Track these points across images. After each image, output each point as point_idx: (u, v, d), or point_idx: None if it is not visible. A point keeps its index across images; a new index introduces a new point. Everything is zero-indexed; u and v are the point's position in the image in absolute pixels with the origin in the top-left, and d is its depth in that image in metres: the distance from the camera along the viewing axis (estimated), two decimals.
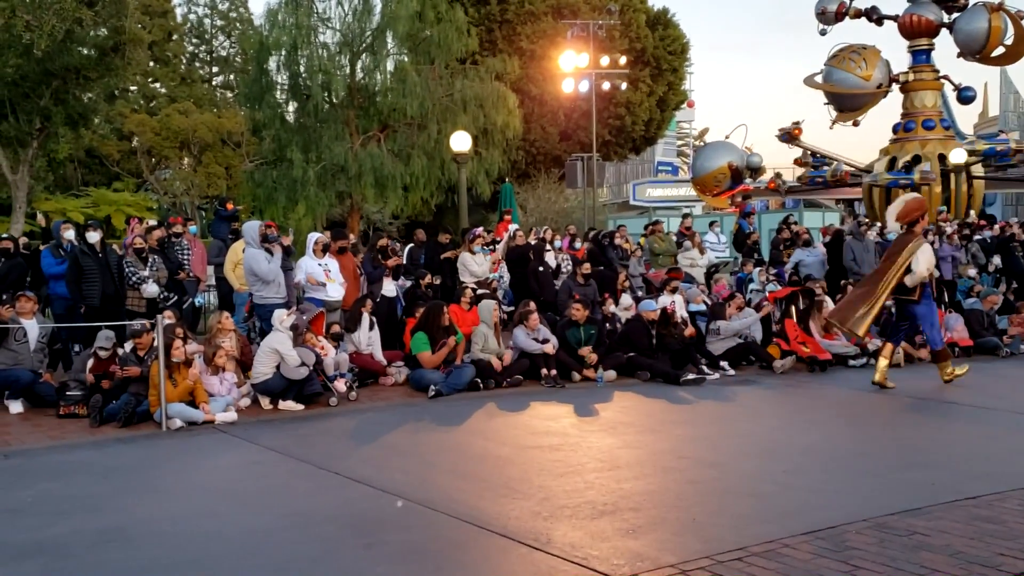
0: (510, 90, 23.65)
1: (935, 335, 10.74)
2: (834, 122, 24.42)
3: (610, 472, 6.56)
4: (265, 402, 9.31)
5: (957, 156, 21.86)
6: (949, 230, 16.12)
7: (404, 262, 14.17)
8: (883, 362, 10.48)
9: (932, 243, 15.44)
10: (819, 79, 23.93)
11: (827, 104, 23.95)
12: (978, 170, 23.28)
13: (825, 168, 23.10)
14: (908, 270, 10.29)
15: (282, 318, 9.46)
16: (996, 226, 17.59)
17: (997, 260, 15.78)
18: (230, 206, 15.25)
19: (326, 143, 21.60)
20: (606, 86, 28.17)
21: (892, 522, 5.21)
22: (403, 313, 11.92)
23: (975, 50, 22.30)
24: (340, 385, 9.60)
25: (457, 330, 10.59)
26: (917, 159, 21.37)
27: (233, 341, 9.94)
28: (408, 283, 12.88)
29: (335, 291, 11.06)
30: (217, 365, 9.30)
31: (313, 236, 11.45)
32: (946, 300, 13.98)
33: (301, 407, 9.25)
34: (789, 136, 22.53)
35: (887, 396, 10.01)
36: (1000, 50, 22.50)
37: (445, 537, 5.19)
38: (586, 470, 6.63)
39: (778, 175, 25.11)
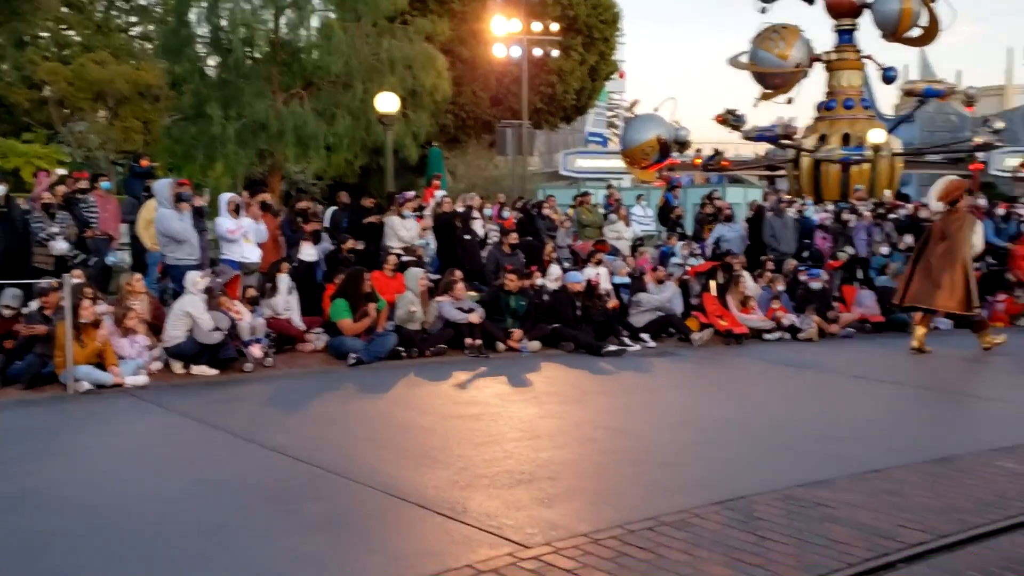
0: (440, 52, 23.29)
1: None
2: (759, 100, 24.86)
3: (529, 442, 6.58)
4: (177, 366, 9.06)
5: (876, 136, 22.44)
6: (864, 209, 16.54)
7: (326, 225, 13.91)
8: (921, 330, 11.28)
9: (847, 222, 15.91)
10: (744, 58, 24.32)
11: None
12: (896, 150, 23.98)
13: (775, 125, 23.65)
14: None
15: (195, 280, 9.20)
16: (910, 205, 18.13)
17: (909, 239, 16.26)
18: (145, 162, 14.69)
19: (247, 100, 20.95)
20: (538, 52, 28.02)
21: (800, 493, 5.34)
22: (323, 278, 11.71)
23: (890, 30, 22.90)
24: (256, 350, 9.40)
25: (379, 297, 10.46)
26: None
27: (145, 303, 9.63)
28: (329, 247, 12.64)
29: (252, 253, 10.79)
30: (127, 327, 9.00)
31: (225, 196, 11.12)
32: (860, 276, 14.37)
33: (215, 372, 9.03)
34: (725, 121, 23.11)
35: (800, 369, 10.26)
36: (915, 31, 23.15)
37: (360, 507, 5.13)
38: (506, 440, 6.63)
39: (718, 152, 25.65)
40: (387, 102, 17.57)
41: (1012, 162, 28.15)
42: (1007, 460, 6.17)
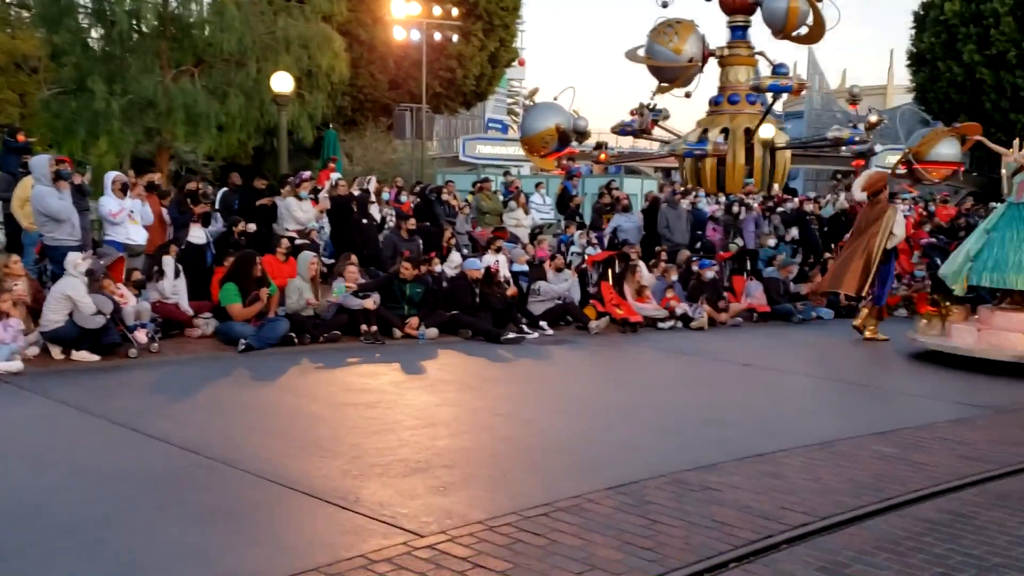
0: (337, 33, 22.83)
1: (884, 292, 12.06)
2: (655, 93, 25.33)
3: (425, 430, 6.53)
4: (56, 351, 8.62)
5: (765, 131, 23.14)
6: (753, 202, 17.07)
7: (217, 207, 13.48)
8: (864, 311, 12.08)
9: (739, 215, 16.38)
10: (642, 52, 24.73)
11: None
12: (780, 142, 24.79)
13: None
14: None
15: (76, 262, 8.75)
16: (796, 199, 18.80)
17: (795, 232, 16.88)
18: (21, 137, 13.94)
19: (133, 75, 20.02)
20: (437, 37, 27.82)
21: (689, 477, 5.47)
22: (213, 262, 11.34)
23: (778, 28, 23.67)
24: (140, 336, 9.03)
25: (270, 282, 10.19)
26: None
27: (24, 285, 9.12)
28: (221, 229, 12.25)
29: (138, 235, 10.36)
30: (1, 311, 8.51)
31: (111, 175, 10.63)
32: (748, 267, 14.83)
33: (97, 358, 8.63)
34: (639, 132, 23.56)
35: (691, 357, 10.53)
36: (803, 30, 23.99)
37: (247, 497, 4.99)
38: (401, 428, 6.56)
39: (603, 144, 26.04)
40: (282, 82, 17.16)
41: (893, 159, 29.53)
42: (882, 444, 6.47)
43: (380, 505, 4.84)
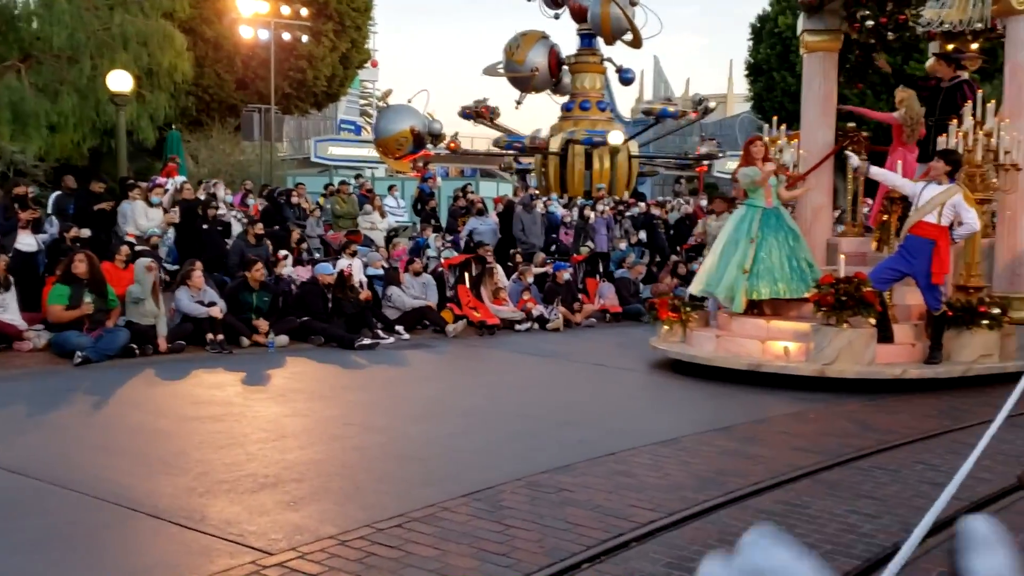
0: (180, 30, 21.93)
1: None
2: (518, 102, 25.87)
3: (275, 442, 6.34)
4: None
5: (614, 138, 23.84)
6: (603, 207, 17.54)
7: (50, 211, 12.69)
8: None
9: (589, 218, 16.80)
10: (501, 66, 25.22)
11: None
12: (633, 151, 25.65)
13: (523, 136, 24.45)
14: None
15: None
16: (644, 204, 19.46)
17: (643, 235, 17.46)
18: None
19: None
20: (287, 37, 27.17)
21: (543, 480, 5.54)
22: (45, 270, 10.66)
23: (599, 33, 24.57)
24: None
25: (109, 289, 9.68)
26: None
27: None
28: (54, 235, 11.54)
29: None
30: None
31: None
32: (600, 270, 15.23)
33: None
34: (475, 114, 23.59)
35: (546, 359, 10.70)
36: (628, 36, 24.95)
37: (88, 520, 4.71)
38: (249, 441, 6.35)
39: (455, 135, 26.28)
40: (120, 80, 16.33)
41: (732, 165, 31.06)
42: (724, 439, 6.77)
43: (227, 523, 4.67)
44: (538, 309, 13.16)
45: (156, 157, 23.70)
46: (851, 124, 11.01)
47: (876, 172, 9.46)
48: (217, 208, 13.68)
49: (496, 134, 27.71)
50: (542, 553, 4.36)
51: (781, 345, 9.10)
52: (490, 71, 25.47)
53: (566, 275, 13.67)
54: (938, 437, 6.88)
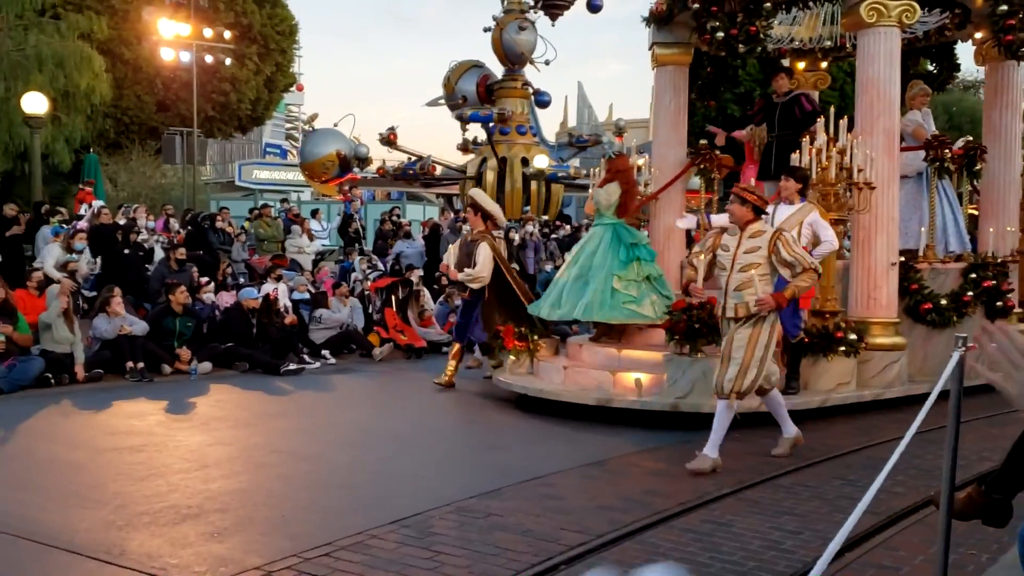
0: (97, 52, 21.43)
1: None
2: (463, 130, 26.13)
3: (197, 472, 6.20)
4: None
5: (539, 161, 24.08)
6: (532, 228, 17.69)
7: None
8: (453, 363, 10.14)
9: (514, 241, 16.90)
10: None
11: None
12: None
13: (419, 159, 24.57)
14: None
15: None
16: (568, 226, 19.68)
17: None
18: None
19: None
20: (209, 59, 26.80)
21: (472, 505, 5.53)
22: None
23: (502, 59, 25.01)
24: None
25: (20, 317, 9.35)
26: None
27: None
28: None
29: None
30: None
31: None
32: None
33: None
34: (387, 141, 23.63)
35: (473, 381, 10.66)
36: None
37: (0, 556, 4.53)
38: (171, 472, 6.19)
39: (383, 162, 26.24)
40: (34, 103, 15.91)
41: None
42: (650, 460, 6.86)
43: (148, 557, 4.54)
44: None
45: (72, 180, 23.05)
46: (703, 141, 10.84)
47: (716, 220, 9.45)
48: (139, 233, 13.36)
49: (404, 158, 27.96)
50: None
51: (633, 377, 8.35)
52: (432, 103, 25.88)
53: None
54: (855, 453, 7.10)
